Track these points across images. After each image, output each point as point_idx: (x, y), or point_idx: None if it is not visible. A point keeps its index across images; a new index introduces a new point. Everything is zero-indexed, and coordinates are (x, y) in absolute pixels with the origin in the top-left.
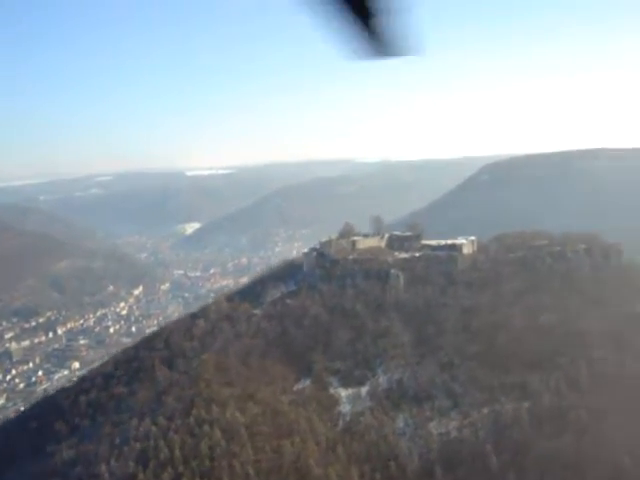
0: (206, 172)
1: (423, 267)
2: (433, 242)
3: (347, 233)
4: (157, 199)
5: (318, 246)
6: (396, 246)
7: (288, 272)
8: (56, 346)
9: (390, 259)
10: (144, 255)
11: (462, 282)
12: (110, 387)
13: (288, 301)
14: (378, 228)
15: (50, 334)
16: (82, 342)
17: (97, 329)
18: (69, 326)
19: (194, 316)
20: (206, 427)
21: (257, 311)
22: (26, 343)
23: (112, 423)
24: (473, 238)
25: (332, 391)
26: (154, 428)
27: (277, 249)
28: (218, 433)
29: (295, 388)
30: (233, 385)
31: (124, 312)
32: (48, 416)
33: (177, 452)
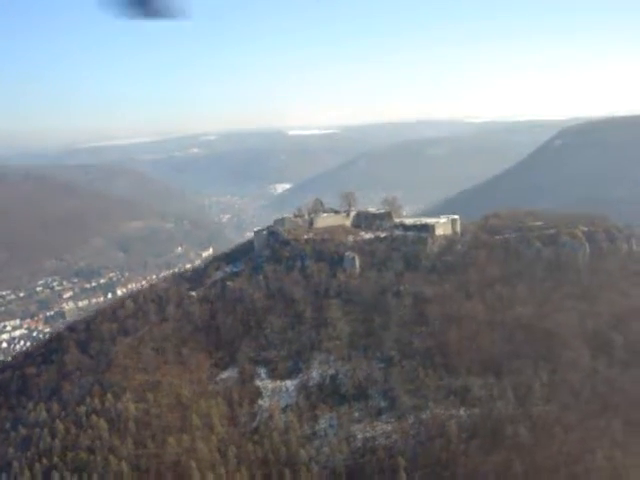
0: (307, 132)
1: (386, 249)
2: (409, 220)
3: (314, 209)
4: (255, 159)
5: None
6: (364, 225)
7: (242, 251)
8: None
9: (350, 239)
10: (227, 216)
11: (425, 267)
12: (23, 367)
13: (228, 283)
14: (348, 204)
15: (109, 295)
16: None
17: None
18: (130, 287)
19: (127, 297)
20: (94, 417)
21: (194, 293)
22: (84, 303)
23: (10, 406)
24: (456, 217)
25: (258, 383)
26: (44, 414)
27: None
28: (104, 424)
29: (218, 378)
30: (142, 373)
31: None
32: None
33: (57, 442)
